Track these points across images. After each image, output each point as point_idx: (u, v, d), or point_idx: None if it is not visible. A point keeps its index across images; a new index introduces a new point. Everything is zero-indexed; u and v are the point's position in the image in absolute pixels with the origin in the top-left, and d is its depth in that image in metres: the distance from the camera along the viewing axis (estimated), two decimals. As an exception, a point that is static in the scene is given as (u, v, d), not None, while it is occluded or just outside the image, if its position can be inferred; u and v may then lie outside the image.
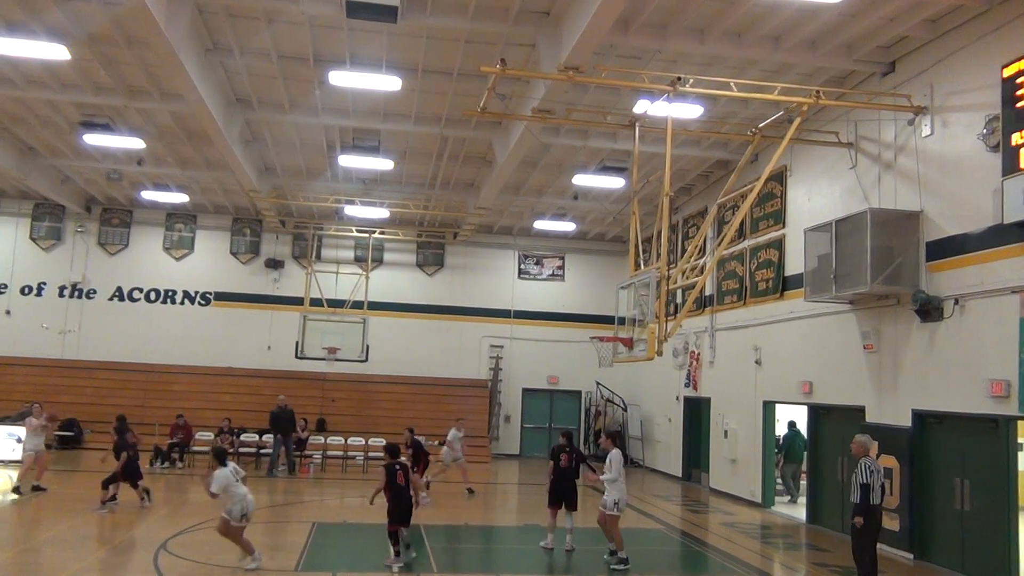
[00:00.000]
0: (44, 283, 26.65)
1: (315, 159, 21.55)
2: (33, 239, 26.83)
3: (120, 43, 14.64)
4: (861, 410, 14.34)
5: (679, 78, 12.84)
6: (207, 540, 11.74)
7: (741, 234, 19.10)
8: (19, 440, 20.12)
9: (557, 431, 27.85)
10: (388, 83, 15.30)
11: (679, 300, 20.55)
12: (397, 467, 11.32)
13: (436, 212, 25.31)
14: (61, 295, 26.67)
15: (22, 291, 26.51)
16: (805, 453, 18.17)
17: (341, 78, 15.18)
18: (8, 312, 26.29)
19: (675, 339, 19.89)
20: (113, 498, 14.50)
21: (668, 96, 13.08)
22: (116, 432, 15.36)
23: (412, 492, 11.62)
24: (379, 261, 28.11)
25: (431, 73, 15.63)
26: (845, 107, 14.46)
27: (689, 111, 15.43)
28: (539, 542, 12.80)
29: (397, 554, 11.02)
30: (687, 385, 22.62)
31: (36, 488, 16.02)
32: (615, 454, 11.82)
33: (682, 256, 19.48)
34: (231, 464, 10.96)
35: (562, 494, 12.66)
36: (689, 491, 21.10)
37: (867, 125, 14.55)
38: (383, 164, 20.69)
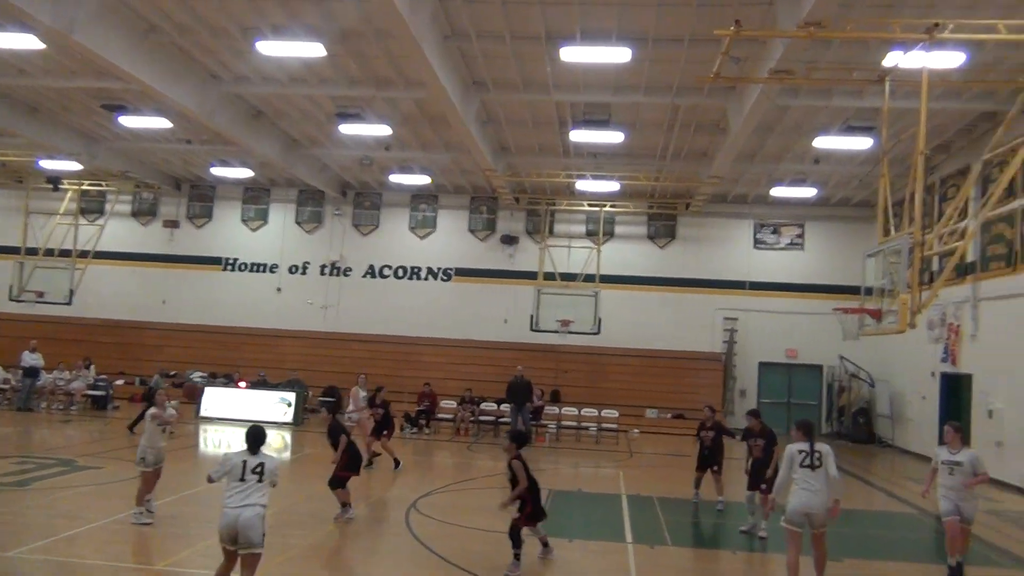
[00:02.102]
0: (308, 263, 29.41)
1: (547, 136, 21.99)
2: (298, 223, 29.68)
3: (369, 37, 15.78)
4: None
5: (937, 24, 11.75)
6: (452, 502, 12.43)
7: (1011, 193, 17.17)
8: (289, 404, 22.55)
9: (796, 406, 27.04)
10: (618, 55, 15.29)
11: (935, 268, 18.91)
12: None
13: (667, 183, 24.99)
14: (322, 273, 29.30)
15: (290, 270, 29.43)
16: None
17: (572, 53, 15.36)
18: (279, 290, 29.29)
19: (931, 310, 18.33)
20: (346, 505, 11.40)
21: (924, 45, 12.03)
22: (327, 410, 12.96)
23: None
24: (610, 234, 28.26)
25: (662, 41, 15.40)
26: None
27: (949, 60, 14.06)
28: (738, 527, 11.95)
29: (518, 558, 9.03)
30: (944, 360, 20.80)
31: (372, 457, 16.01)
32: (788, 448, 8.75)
33: (939, 220, 17.89)
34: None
35: (758, 479, 11.59)
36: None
37: None
38: (614, 137, 20.72)
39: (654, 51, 15.70)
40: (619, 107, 19.19)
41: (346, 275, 29.25)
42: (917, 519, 14.19)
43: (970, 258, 19.15)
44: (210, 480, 7.46)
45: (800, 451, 8.50)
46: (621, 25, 14.83)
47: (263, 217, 29.88)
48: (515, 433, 9.87)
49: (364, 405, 17.57)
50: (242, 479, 7.13)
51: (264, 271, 29.55)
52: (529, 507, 9.29)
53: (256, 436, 7.43)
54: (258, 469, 7.20)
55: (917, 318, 12.61)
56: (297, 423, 22.55)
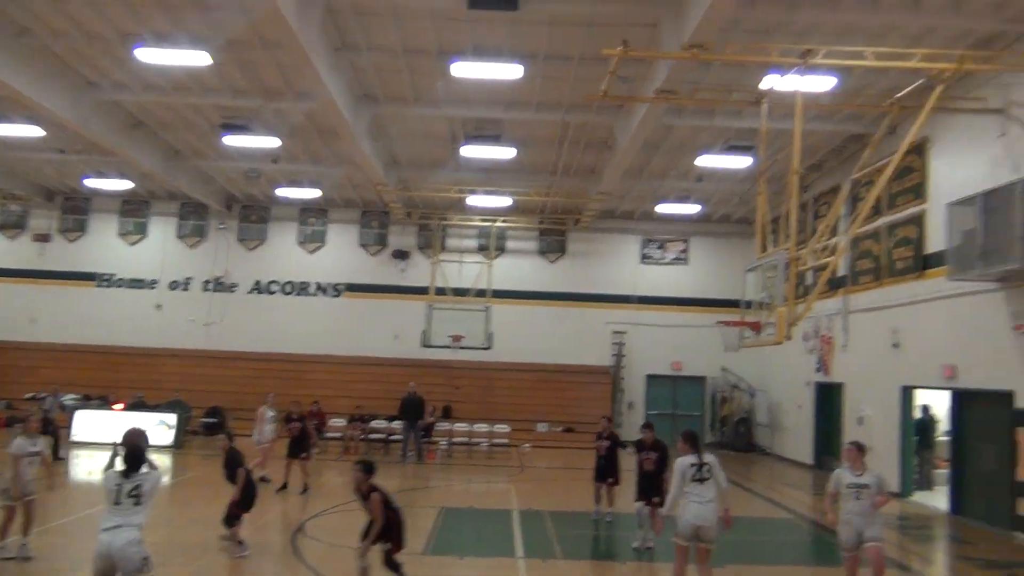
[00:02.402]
0: (190, 278, 28.35)
1: (438, 151, 22.00)
2: (180, 237, 28.60)
3: (256, 46, 15.42)
4: (1009, 395, 13.52)
5: (810, 50, 12.43)
6: (341, 523, 12.18)
7: (877, 211, 18.26)
8: (170, 427, 21.65)
9: (681, 417, 27.79)
10: (510, 72, 15.44)
11: (809, 282, 19.87)
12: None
13: (558, 199, 25.38)
14: (205, 289, 28.30)
15: (171, 286, 28.29)
16: (939, 440, 17.35)
17: (463, 69, 15.41)
18: (159, 306, 28.10)
19: (805, 322, 19.24)
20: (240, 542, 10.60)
21: (798, 69, 12.69)
22: (227, 436, 11.43)
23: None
24: (501, 249, 28.46)
25: (552, 59, 15.67)
26: (993, 71, 13.60)
27: (820, 84, 14.84)
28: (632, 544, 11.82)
29: None
30: (818, 370, 21.88)
31: (262, 479, 15.68)
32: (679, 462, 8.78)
33: (813, 236, 18.82)
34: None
35: (648, 492, 11.54)
36: (820, 479, 20.38)
37: (1018, 89, 13.63)
38: (505, 153, 20.90)
39: (545, 68, 15.96)
40: (510, 123, 19.40)
41: (231, 291, 28.33)
42: (795, 524, 14.80)
43: (841, 272, 20.21)
44: None
45: (691, 464, 8.50)
46: (512, 42, 15.02)
47: (142, 231, 28.64)
48: (365, 463, 8.43)
49: (274, 426, 16.92)
50: (117, 503, 6.54)
51: (143, 287, 28.29)
52: (396, 546, 8.41)
53: (134, 454, 6.76)
54: (135, 492, 6.57)
55: (793, 330, 13.17)
56: (178, 446, 21.61)
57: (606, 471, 13.59)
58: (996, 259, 12.64)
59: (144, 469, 6.81)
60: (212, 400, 25.49)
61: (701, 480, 8.46)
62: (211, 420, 25.02)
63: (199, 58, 15.36)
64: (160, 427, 21.66)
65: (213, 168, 24.54)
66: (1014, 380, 13.45)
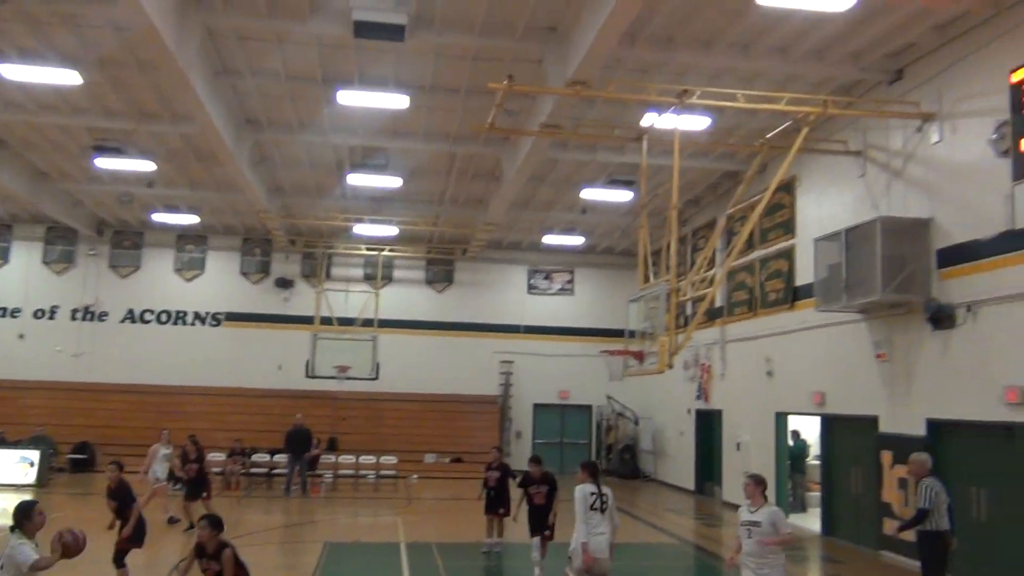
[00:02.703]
0: (57, 307, 26.79)
1: (324, 178, 21.66)
2: (46, 263, 27.01)
3: (131, 67, 14.83)
4: (874, 420, 14.27)
5: (686, 90, 12.90)
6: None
7: (750, 245, 19.08)
8: (32, 464, 20.35)
9: (568, 446, 28.06)
10: (396, 101, 15.40)
11: (689, 312, 20.53)
12: None
13: (445, 229, 25.38)
14: (74, 318, 26.80)
15: (35, 315, 26.64)
16: (810, 464, 18.13)
17: (350, 97, 15.27)
18: (22, 336, 26.41)
19: (686, 351, 19.82)
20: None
21: (675, 108, 13.16)
22: (117, 466, 10.77)
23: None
24: (388, 279, 28.17)
25: (439, 90, 15.72)
26: (853, 116, 14.48)
27: (696, 123, 15.46)
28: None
29: None
30: (698, 398, 22.55)
31: (171, 520, 15.44)
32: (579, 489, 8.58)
33: (692, 268, 19.47)
34: None
35: (539, 526, 11.54)
36: (702, 504, 20.99)
37: (875, 133, 14.57)
38: (392, 182, 20.78)
39: (432, 99, 15.99)
40: (397, 152, 19.30)
41: (101, 320, 26.93)
42: (679, 549, 15.12)
43: (718, 303, 20.98)
44: None
45: (592, 493, 8.40)
46: (399, 72, 15.00)
47: (3, 256, 26.90)
48: (213, 519, 7.68)
49: (166, 464, 16.14)
50: None
51: (4, 316, 26.55)
52: None
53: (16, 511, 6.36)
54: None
55: (674, 359, 13.53)
56: (41, 484, 20.26)
57: (497, 502, 13.51)
58: (859, 292, 13.37)
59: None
60: (81, 435, 24.13)
61: (601, 510, 8.40)
62: (80, 456, 23.68)
63: (68, 77, 14.64)
64: (21, 465, 20.32)
65: (83, 191, 23.36)
66: (878, 406, 14.20)
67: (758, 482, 7.98)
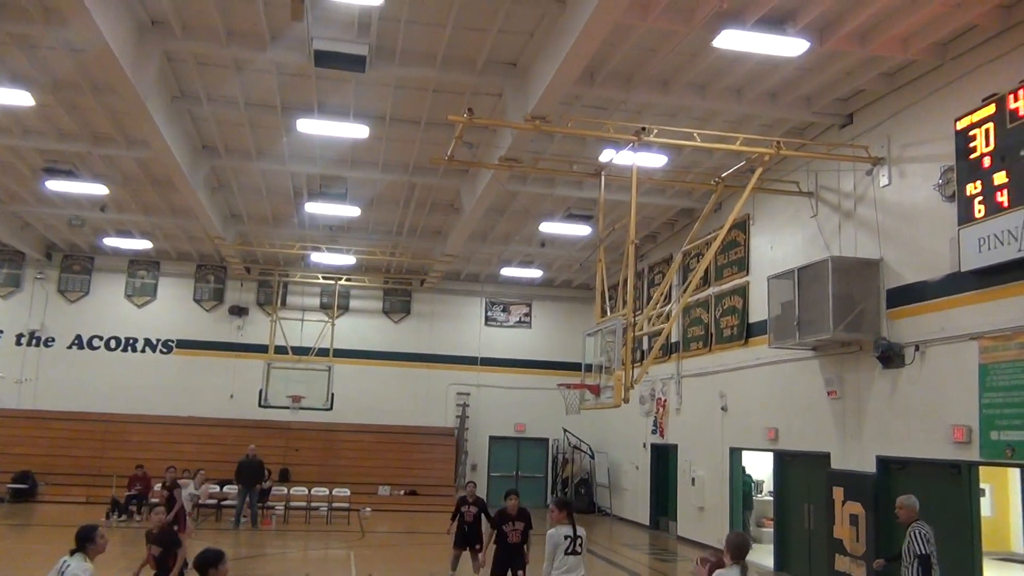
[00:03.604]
0: (0, 331, 26.07)
1: (281, 206, 21.48)
2: (-10, 287, 26.34)
3: (85, 89, 14.59)
4: (826, 456, 14.40)
5: (644, 128, 13.07)
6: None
7: (706, 281, 19.30)
8: None
9: (524, 479, 27.91)
10: (356, 131, 15.37)
11: (645, 347, 20.64)
12: None
13: (403, 259, 25.29)
14: (19, 343, 26.08)
15: (-23, 339, 25.90)
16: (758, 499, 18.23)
17: (309, 126, 15.21)
18: (-38, 361, 25.64)
19: (642, 386, 19.92)
20: None
21: (633, 146, 13.30)
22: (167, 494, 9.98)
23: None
24: (345, 308, 27.92)
25: (399, 122, 15.73)
26: (805, 157, 14.79)
27: (654, 160, 15.66)
28: None
29: None
30: (654, 432, 22.60)
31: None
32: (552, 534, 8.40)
33: (648, 303, 19.61)
34: None
35: (510, 564, 11.06)
36: (657, 539, 20.96)
37: (827, 175, 14.88)
38: (350, 211, 20.66)
39: (391, 130, 15.99)
40: (356, 182, 19.22)
41: (48, 345, 26.25)
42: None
43: (674, 338, 21.12)
44: None
45: (566, 537, 8.10)
46: (359, 102, 14.97)
47: (-55, 279, 26.21)
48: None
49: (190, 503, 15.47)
50: None
51: (-56, 340, 25.77)
52: None
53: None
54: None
55: (630, 393, 13.55)
56: (-25, 516, 19.58)
57: (472, 537, 13.13)
58: (810, 329, 13.56)
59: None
60: (22, 464, 23.42)
61: (574, 553, 8.11)
62: (20, 486, 22.97)
63: (20, 97, 14.36)
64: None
65: (32, 214, 22.85)
66: (830, 442, 14.35)
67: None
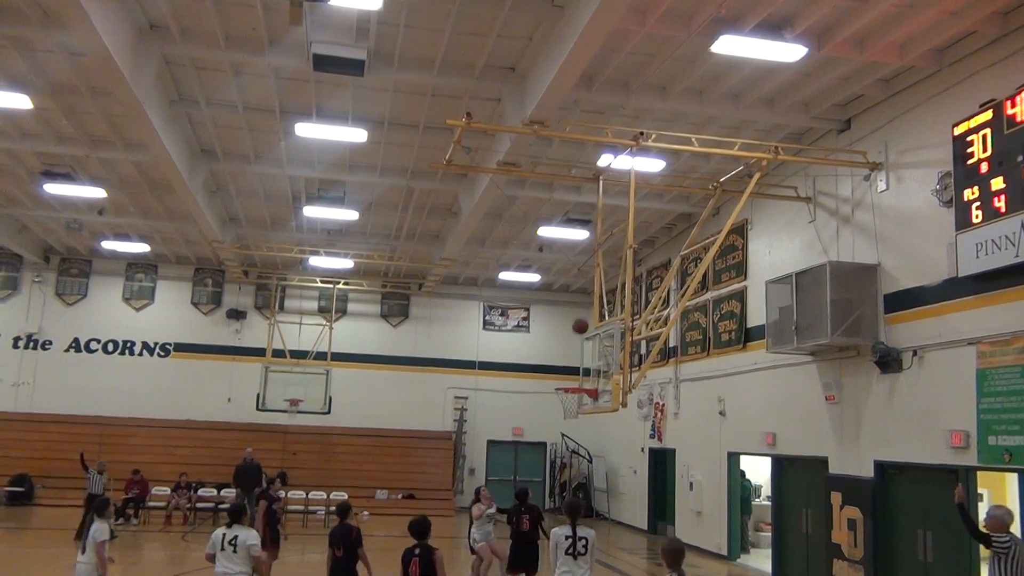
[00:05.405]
0: (-3, 334, 26.05)
1: (280, 210, 21.48)
2: (-12, 290, 26.31)
3: (84, 93, 14.59)
4: (824, 461, 14.40)
5: (641, 133, 13.07)
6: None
7: (704, 286, 19.30)
8: None
9: (523, 484, 27.74)
10: (354, 135, 15.37)
11: (643, 351, 20.62)
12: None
13: (401, 263, 25.27)
14: (15, 346, 26.04)
15: (-26, 342, 25.86)
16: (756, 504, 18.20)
17: (307, 130, 15.21)
18: (-41, 364, 25.61)
19: (640, 390, 19.89)
20: None
21: (631, 150, 13.29)
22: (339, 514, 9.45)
23: None
24: (343, 312, 27.89)
25: (397, 126, 15.73)
26: (803, 163, 14.80)
27: (652, 165, 15.67)
28: None
29: None
30: (652, 436, 22.58)
31: None
32: (554, 533, 8.61)
33: (646, 307, 19.61)
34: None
35: (524, 559, 11.31)
36: (654, 544, 20.92)
37: (825, 180, 14.89)
38: (348, 215, 20.66)
39: (389, 134, 15.99)
40: (354, 185, 19.23)
41: (45, 348, 26.21)
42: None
43: (672, 343, 21.11)
44: None
45: (566, 537, 8.15)
46: (357, 106, 14.98)
47: (-58, 282, 26.17)
48: None
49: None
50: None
51: (-59, 343, 25.73)
52: None
53: None
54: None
55: (628, 397, 13.55)
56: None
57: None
58: (808, 334, 13.56)
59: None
60: (18, 467, 23.38)
61: (575, 555, 8.13)
62: (16, 489, 22.94)
63: (18, 100, 14.38)
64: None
65: (30, 217, 22.83)
66: (828, 447, 14.35)
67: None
